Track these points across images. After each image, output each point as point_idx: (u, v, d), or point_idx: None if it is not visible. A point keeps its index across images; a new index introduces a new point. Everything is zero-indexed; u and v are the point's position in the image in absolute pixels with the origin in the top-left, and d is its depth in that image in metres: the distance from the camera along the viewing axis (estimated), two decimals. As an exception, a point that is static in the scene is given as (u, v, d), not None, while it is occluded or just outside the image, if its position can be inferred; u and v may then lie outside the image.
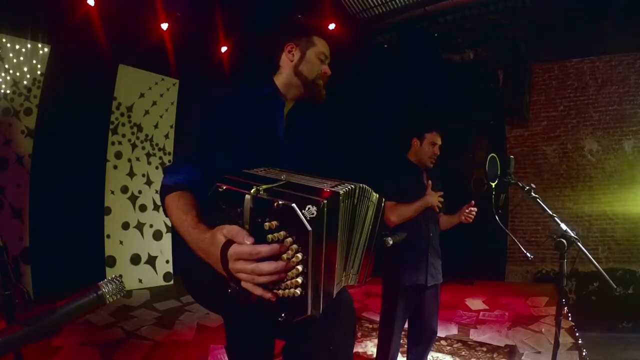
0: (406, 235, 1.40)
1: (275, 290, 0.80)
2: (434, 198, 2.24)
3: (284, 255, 0.77)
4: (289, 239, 0.76)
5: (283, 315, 0.81)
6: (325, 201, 0.77)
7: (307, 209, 0.75)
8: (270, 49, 1.33)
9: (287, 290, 0.78)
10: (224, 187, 0.85)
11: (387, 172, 2.42)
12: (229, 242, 0.80)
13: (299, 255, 0.76)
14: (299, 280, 0.77)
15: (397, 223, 2.20)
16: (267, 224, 0.78)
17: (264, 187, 0.81)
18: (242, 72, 5.01)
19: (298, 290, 0.77)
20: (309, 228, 0.74)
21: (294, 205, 0.74)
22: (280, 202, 0.76)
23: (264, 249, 0.77)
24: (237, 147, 1.15)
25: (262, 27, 3.97)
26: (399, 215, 2.21)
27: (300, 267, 0.76)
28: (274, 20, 4.08)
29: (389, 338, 2.28)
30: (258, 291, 0.80)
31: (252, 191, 0.79)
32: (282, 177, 0.89)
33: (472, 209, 2.28)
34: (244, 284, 0.81)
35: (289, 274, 0.77)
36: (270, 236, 0.78)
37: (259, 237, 0.79)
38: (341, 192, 0.85)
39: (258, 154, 1.16)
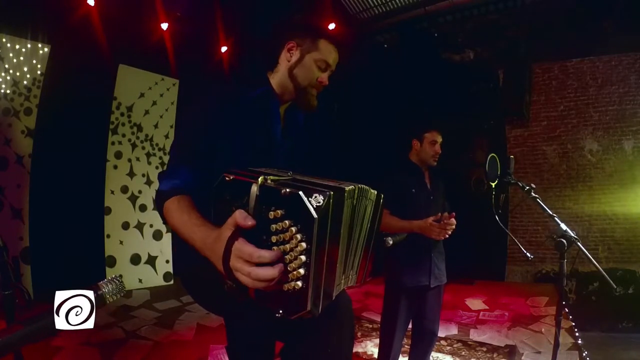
0: (406, 236, 1.39)
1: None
2: (431, 229, 2.02)
3: (287, 246, 0.76)
4: (294, 228, 0.75)
5: (281, 311, 0.80)
6: (332, 192, 0.78)
7: (314, 197, 0.75)
8: (272, 43, 1.27)
9: (287, 284, 0.77)
10: (231, 177, 0.85)
11: (387, 173, 2.38)
12: (235, 236, 0.79)
13: (303, 245, 0.75)
14: (301, 271, 0.76)
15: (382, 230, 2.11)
16: (272, 212, 0.77)
17: (272, 177, 0.82)
18: (241, 72, 5.01)
19: (299, 283, 0.76)
20: (315, 215, 0.74)
21: (300, 192, 0.75)
22: (287, 190, 0.76)
23: (266, 254, 0.75)
24: (233, 148, 1.13)
25: (264, 24, 3.94)
26: (387, 224, 2.09)
27: (303, 257, 0.75)
28: (277, 17, 4.05)
29: (390, 339, 2.26)
30: (257, 285, 0.78)
31: (259, 179, 0.80)
32: (288, 173, 0.90)
33: (451, 221, 2.02)
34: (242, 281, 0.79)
35: (292, 265, 0.76)
36: (274, 226, 0.77)
37: (263, 226, 0.78)
38: (346, 188, 0.86)
39: (255, 155, 1.14)
